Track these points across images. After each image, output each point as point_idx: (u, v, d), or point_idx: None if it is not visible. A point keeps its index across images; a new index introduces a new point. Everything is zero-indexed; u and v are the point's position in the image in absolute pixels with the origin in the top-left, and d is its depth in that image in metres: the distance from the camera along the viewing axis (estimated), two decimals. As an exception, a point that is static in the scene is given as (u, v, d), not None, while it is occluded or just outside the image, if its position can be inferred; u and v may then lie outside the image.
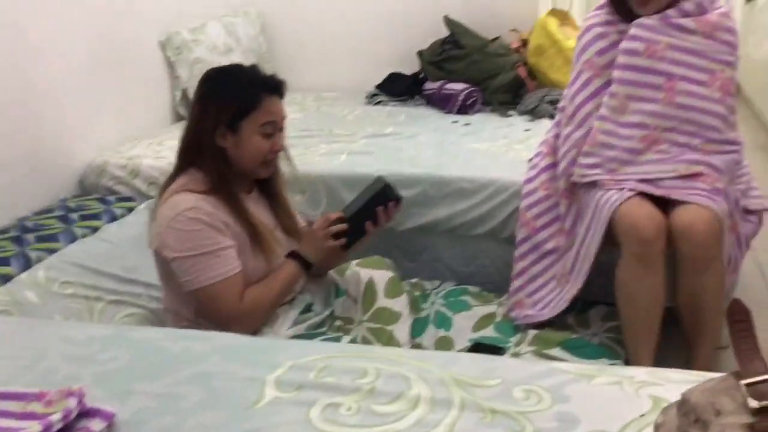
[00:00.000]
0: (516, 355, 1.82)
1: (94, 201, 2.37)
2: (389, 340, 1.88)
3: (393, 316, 1.93)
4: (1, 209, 2.20)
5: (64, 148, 2.52)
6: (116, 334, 1.35)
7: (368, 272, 1.98)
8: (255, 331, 1.70)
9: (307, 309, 1.83)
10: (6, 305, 1.74)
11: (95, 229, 2.18)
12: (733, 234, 1.89)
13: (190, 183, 1.67)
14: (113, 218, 2.26)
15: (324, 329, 1.86)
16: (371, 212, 1.79)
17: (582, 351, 1.79)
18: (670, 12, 1.84)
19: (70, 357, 1.25)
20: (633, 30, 1.86)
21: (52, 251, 2.01)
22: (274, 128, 1.71)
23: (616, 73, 1.88)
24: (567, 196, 1.98)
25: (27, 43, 2.31)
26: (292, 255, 1.77)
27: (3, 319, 1.52)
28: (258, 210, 1.78)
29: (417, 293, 2.15)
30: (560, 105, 2.11)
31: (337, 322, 1.91)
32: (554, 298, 1.95)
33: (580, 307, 2.05)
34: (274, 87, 1.72)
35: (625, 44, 1.87)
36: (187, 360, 1.23)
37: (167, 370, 1.20)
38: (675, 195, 1.77)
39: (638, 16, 1.87)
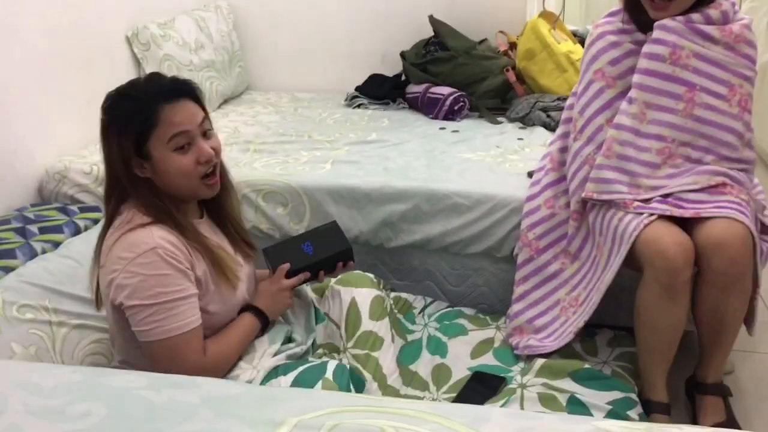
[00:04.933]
0: (522, 386, 1.69)
1: (54, 211, 2.16)
2: (376, 368, 1.75)
3: (378, 341, 1.79)
4: (-50, 220, 1.99)
5: (21, 151, 2.31)
6: (89, 380, 1.18)
7: (350, 292, 1.82)
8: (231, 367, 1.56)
9: (288, 340, 1.68)
10: (-44, 332, 1.55)
11: (57, 244, 1.98)
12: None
13: (135, 218, 1.47)
14: (77, 231, 2.06)
15: (307, 358, 1.71)
16: (330, 266, 1.77)
17: (594, 383, 1.68)
18: (694, 16, 1.73)
19: (36, 411, 1.08)
20: (656, 33, 1.74)
21: (8, 269, 1.81)
22: (189, 138, 1.47)
23: (637, 78, 1.76)
24: (576, 218, 1.85)
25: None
26: (250, 308, 1.61)
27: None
28: (212, 236, 1.60)
29: (401, 315, 2.01)
30: (565, 116, 1.99)
31: (320, 351, 1.76)
32: (559, 328, 1.82)
33: (585, 332, 1.93)
34: (172, 92, 1.47)
35: (648, 48, 1.75)
36: (173, 416, 1.06)
37: (150, 428, 1.03)
38: (705, 213, 1.65)
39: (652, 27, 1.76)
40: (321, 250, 1.76)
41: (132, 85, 1.51)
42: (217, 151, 1.52)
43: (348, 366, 1.64)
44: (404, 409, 1.07)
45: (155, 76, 1.54)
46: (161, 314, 1.41)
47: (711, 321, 1.70)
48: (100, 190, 2.34)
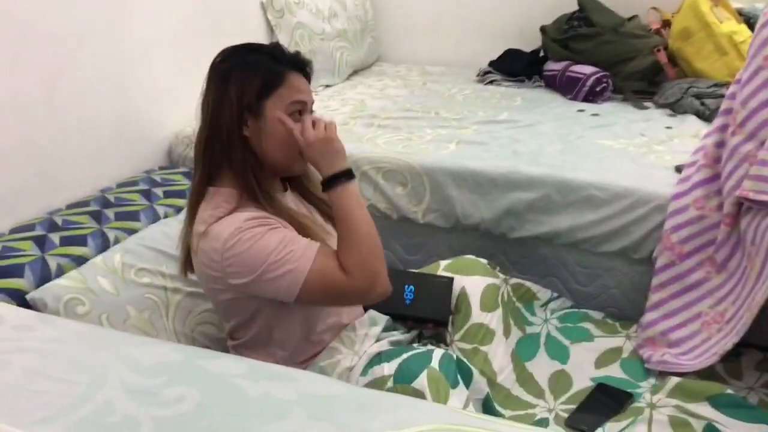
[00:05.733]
0: (652, 406, 1.52)
1: (180, 175, 2.18)
2: (484, 363, 1.64)
3: (488, 335, 1.67)
4: (83, 178, 2.05)
5: (154, 114, 2.36)
6: (188, 361, 1.14)
7: (460, 280, 1.70)
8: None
9: (391, 327, 1.59)
10: (77, 293, 1.58)
11: (179, 209, 1.99)
12: None
13: (219, 208, 1.40)
14: (199, 197, 2.07)
15: (412, 345, 1.61)
16: (420, 322, 1.67)
17: (736, 411, 1.48)
18: None
19: (132, 389, 1.05)
20: None
21: (131, 231, 1.84)
22: (303, 109, 1.43)
23: None
24: (729, 222, 1.64)
25: (120, 2, 2.14)
26: (329, 184, 1.38)
27: (67, 325, 1.33)
28: (300, 208, 1.53)
29: (520, 303, 1.87)
30: (724, 106, 1.76)
31: (425, 342, 1.66)
32: (699, 346, 1.62)
33: (728, 351, 1.72)
34: (300, 64, 1.45)
35: None
36: (265, 411, 1.00)
37: (240, 424, 0.97)
38: None
39: None
40: (419, 307, 1.63)
41: (259, 45, 1.49)
42: None
43: (455, 355, 1.53)
44: (515, 435, 0.95)
45: (281, 46, 1.51)
46: (281, 264, 1.30)
47: None
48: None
